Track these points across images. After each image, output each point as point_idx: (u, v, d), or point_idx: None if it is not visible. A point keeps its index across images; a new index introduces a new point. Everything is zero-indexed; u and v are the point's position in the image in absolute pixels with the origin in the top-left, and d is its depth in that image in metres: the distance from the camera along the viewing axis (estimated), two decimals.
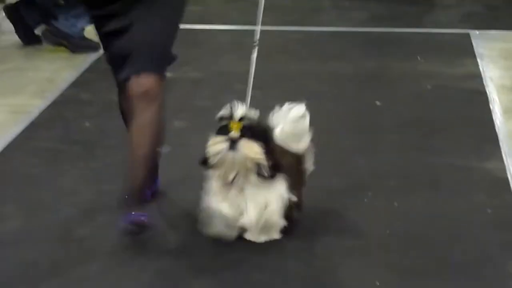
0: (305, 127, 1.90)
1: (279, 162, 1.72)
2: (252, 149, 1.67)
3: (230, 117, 1.73)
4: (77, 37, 3.73)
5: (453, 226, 2.03)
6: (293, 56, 3.85)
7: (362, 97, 3.24)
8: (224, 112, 1.74)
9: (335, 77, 3.58)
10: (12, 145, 2.59)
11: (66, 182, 2.28)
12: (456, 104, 3.14)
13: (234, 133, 1.68)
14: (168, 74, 1.98)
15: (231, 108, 1.74)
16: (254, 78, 2.07)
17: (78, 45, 3.72)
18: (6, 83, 3.35)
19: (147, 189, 1.94)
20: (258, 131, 1.72)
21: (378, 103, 3.16)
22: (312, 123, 2.00)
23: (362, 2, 4.83)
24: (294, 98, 2.24)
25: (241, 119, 1.70)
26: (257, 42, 2.07)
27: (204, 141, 1.73)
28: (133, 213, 1.77)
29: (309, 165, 1.96)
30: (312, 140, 1.95)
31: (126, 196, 1.84)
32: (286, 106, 1.90)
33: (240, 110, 1.71)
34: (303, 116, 1.89)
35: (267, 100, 2.15)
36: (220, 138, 1.69)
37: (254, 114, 1.75)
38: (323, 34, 4.36)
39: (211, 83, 3.34)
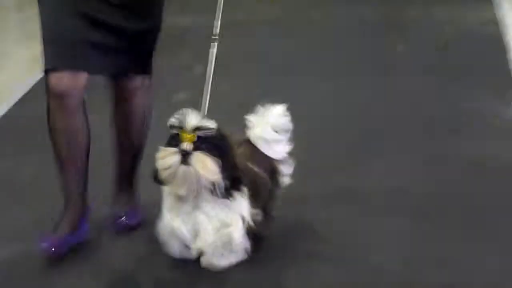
0: (285, 129, 1.62)
1: (239, 179, 1.44)
2: (206, 166, 1.38)
3: (181, 127, 1.45)
4: None
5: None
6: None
7: (385, 42, 3.32)
8: (175, 119, 1.46)
9: (357, 22, 3.72)
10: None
11: None
12: (474, 50, 3.15)
13: (187, 145, 1.40)
14: None
15: (183, 115, 1.44)
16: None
17: None
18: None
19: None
20: (215, 144, 1.43)
21: (398, 48, 3.20)
22: (334, 66, 2.54)
23: None
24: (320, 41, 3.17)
25: (195, 129, 1.43)
26: (217, 36, 1.78)
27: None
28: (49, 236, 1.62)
29: (286, 175, 1.66)
30: (293, 148, 1.65)
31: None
32: (266, 106, 1.61)
33: (194, 118, 1.43)
34: (283, 117, 1.62)
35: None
36: (171, 150, 1.42)
37: (211, 123, 1.45)
38: None
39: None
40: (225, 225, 1.47)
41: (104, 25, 1.56)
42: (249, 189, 1.47)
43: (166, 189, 1.49)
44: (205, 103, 1.64)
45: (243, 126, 1.61)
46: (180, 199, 1.46)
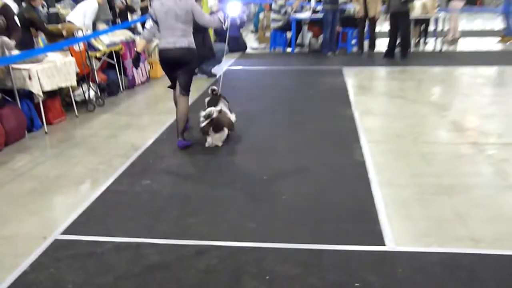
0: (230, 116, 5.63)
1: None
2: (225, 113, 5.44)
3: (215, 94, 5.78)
4: (208, 71, 8.42)
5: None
6: (263, 77, 8.68)
7: (302, 89, 7.99)
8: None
9: (289, 85, 8.34)
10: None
11: None
12: (336, 89, 7.80)
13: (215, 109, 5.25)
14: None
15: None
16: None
17: (209, 74, 8.49)
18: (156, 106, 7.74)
19: (185, 128, 5.36)
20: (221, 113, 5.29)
21: (311, 92, 7.88)
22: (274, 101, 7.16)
23: (300, 57, 9.85)
24: (269, 92, 7.73)
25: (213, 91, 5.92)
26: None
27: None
28: (180, 139, 5.30)
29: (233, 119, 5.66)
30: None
31: (178, 133, 5.34)
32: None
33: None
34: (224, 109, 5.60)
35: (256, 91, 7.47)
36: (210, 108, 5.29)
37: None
38: (283, 70, 9.26)
39: None
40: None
41: (176, 75, 5.27)
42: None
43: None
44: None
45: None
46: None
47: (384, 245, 3.26)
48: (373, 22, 10.72)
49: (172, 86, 5.48)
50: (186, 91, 5.28)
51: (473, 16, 17.88)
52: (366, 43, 11.10)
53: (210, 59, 8.71)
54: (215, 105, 5.62)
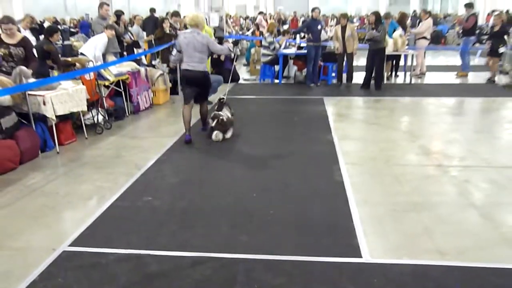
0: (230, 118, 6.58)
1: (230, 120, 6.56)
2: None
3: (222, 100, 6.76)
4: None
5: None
6: (254, 105, 8.71)
7: (288, 116, 8.01)
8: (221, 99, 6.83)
9: (276, 112, 8.40)
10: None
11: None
12: (318, 117, 7.80)
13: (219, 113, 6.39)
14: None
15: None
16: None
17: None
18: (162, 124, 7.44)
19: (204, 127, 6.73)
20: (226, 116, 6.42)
21: (295, 119, 7.89)
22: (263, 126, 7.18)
23: (287, 88, 9.91)
24: (258, 118, 7.77)
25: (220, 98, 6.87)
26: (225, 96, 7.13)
27: None
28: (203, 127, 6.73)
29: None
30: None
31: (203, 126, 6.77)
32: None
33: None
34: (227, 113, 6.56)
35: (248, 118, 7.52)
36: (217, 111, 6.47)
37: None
38: (271, 99, 9.29)
39: None
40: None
41: (195, 91, 6.30)
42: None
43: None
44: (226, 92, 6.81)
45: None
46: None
47: (360, 257, 3.23)
48: (351, 57, 10.82)
49: (186, 101, 6.34)
50: (205, 99, 6.62)
51: (438, 53, 18.11)
52: (344, 76, 11.23)
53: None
54: (220, 109, 6.57)
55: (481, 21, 24.24)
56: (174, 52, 6.36)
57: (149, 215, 3.97)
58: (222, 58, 11.06)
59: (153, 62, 9.57)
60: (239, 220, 3.84)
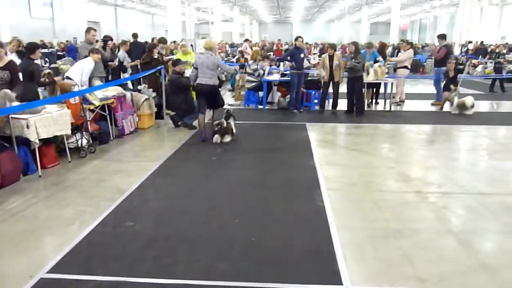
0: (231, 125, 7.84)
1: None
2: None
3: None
4: (189, 124, 8.45)
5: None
6: (238, 130, 8.77)
7: (271, 141, 8.02)
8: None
9: (260, 137, 8.44)
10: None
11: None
12: (301, 142, 7.83)
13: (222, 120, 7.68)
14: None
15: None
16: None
17: (190, 126, 8.49)
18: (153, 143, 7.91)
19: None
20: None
21: (279, 144, 7.88)
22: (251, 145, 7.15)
23: (270, 113, 9.92)
24: (242, 143, 7.75)
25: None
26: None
27: None
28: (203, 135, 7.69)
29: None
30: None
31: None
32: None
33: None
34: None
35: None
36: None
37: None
38: (255, 124, 9.30)
39: None
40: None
41: (207, 101, 7.73)
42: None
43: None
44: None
45: None
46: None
47: (341, 284, 3.19)
48: (337, 85, 10.92)
49: (201, 110, 7.97)
50: (219, 106, 8.05)
51: (416, 82, 18.45)
52: (328, 103, 11.34)
53: (191, 113, 8.73)
54: (227, 119, 7.88)
55: (457, 51, 24.92)
56: (192, 70, 7.96)
57: (131, 241, 3.88)
58: None
59: (139, 87, 9.53)
60: (221, 247, 3.78)
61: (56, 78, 7.60)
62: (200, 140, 7.79)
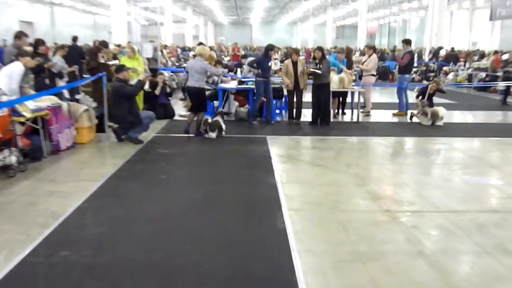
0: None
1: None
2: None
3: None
4: (134, 138, 8.42)
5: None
6: (189, 144, 8.78)
7: (228, 157, 8.03)
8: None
9: (214, 152, 8.43)
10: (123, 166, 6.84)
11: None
12: (260, 158, 7.83)
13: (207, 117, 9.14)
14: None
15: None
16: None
17: (135, 141, 8.43)
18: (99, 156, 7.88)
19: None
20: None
21: (235, 159, 7.87)
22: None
23: (226, 125, 9.95)
24: (193, 158, 7.71)
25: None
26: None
27: None
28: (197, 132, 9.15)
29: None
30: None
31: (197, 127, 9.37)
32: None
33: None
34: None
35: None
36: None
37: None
38: (208, 137, 9.29)
39: None
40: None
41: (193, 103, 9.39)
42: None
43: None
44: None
45: None
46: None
47: None
48: (301, 93, 11.06)
49: (192, 110, 9.53)
50: (201, 110, 9.40)
51: (385, 90, 18.99)
52: (283, 113, 11.55)
53: (137, 126, 8.67)
54: (215, 117, 9.38)
55: (427, 58, 25.89)
56: (184, 73, 10.00)
57: (66, 272, 3.79)
58: (157, 92, 11.04)
59: (77, 96, 9.37)
60: (169, 277, 3.74)
61: None
62: (184, 128, 9.39)
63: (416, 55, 27.29)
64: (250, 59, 13.73)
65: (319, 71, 10.59)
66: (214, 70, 10.12)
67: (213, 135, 9.17)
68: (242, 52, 26.96)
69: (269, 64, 11.09)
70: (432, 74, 22.39)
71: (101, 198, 5.69)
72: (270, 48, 11.15)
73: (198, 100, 9.44)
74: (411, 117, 11.69)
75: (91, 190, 5.91)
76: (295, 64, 10.94)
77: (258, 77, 10.94)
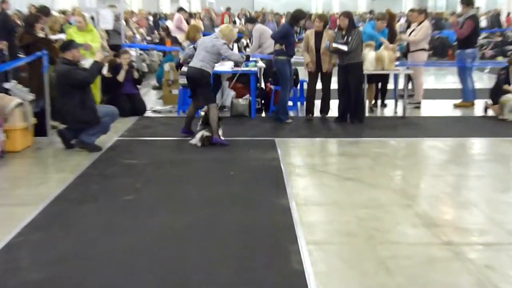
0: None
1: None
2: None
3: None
4: (90, 143, 8.61)
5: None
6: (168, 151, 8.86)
7: (222, 168, 7.92)
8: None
9: (203, 162, 8.42)
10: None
11: None
12: (267, 169, 7.75)
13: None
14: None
15: None
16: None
17: (91, 147, 8.54)
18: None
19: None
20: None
21: (232, 173, 7.76)
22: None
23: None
24: (176, 173, 7.86)
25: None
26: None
27: None
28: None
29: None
30: None
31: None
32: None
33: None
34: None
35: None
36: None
37: None
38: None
39: None
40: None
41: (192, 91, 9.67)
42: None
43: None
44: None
45: None
46: None
47: None
48: (328, 78, 10.95)
49: (192, 97, 9.79)
50: (205, 100, 9.36)
51: (443, 72, 18.87)
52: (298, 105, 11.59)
53: (92, 126, 8.58)
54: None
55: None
56: (191, 48, 9.63)
57: None
58: (121, 78, 10.99)
59: (6, 85, 9.31)
60: None
61: None
62: (181, 131, 9.73)
63: (487, 21, 27.10)
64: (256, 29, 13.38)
65: (345, 47, 10.31)
66: (230, 53, 9.44)
67: (206, 133, 9.11)
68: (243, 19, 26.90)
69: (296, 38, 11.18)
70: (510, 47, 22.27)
71: (41, 229, 5.65)
72: (300, 15, 11.09)
73: (197, 86, 9.28)
74: (485, 109, 11.48)
75: (27, 218, 5.87)
76: (319, 35, 10.76)
77: (280, 55, 10.70)
